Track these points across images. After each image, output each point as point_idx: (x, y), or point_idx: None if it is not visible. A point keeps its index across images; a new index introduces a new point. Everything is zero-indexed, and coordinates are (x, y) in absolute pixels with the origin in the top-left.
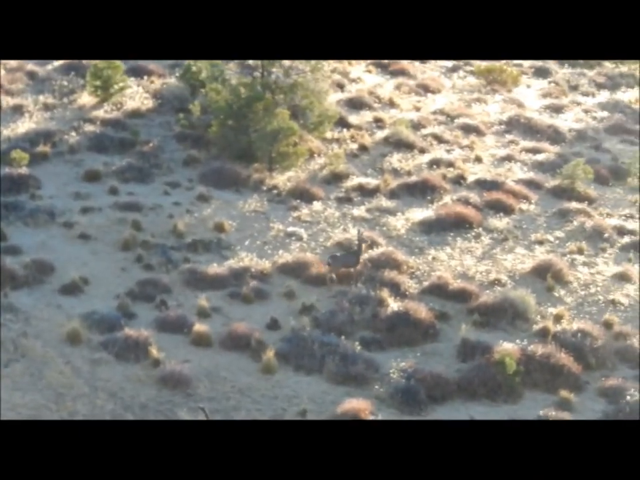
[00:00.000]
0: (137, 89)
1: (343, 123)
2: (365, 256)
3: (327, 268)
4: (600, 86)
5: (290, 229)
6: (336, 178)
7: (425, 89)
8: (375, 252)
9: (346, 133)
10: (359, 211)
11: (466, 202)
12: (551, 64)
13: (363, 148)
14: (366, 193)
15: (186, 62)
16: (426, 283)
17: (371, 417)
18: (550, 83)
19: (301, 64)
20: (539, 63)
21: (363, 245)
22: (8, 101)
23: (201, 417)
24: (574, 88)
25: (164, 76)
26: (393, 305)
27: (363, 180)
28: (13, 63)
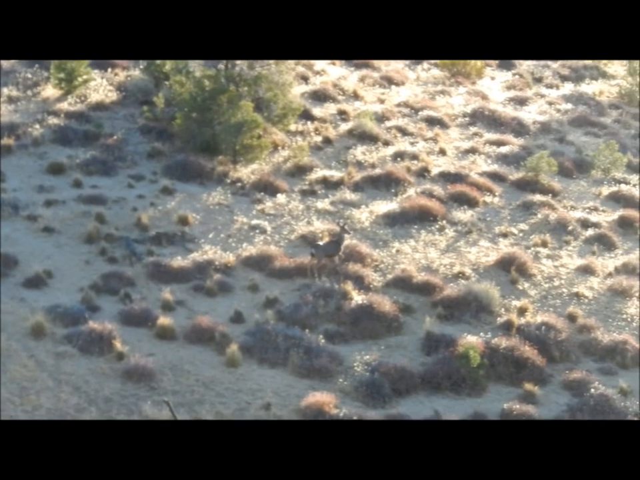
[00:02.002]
0: (100, 82)
1: (307, 116)
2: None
3: (310, 258)
4: (564, 78)
5: (254, 221)
6: (300, 171)
7: (389, 81)
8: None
9: (310, 125)
10: (323, 204)
11: (430, 195)
12: None
13: (327, 140)
14: (330, 185)
15: None
16: (390, 276)
17: (335, 411)
18: (514, 75)
19: None
20: None
21: (345, 235)
22: None
23: (165, 411)
24: (538, 80)
25: (128, 68)
26: (357, 298)
27: (327, 172)
28: None
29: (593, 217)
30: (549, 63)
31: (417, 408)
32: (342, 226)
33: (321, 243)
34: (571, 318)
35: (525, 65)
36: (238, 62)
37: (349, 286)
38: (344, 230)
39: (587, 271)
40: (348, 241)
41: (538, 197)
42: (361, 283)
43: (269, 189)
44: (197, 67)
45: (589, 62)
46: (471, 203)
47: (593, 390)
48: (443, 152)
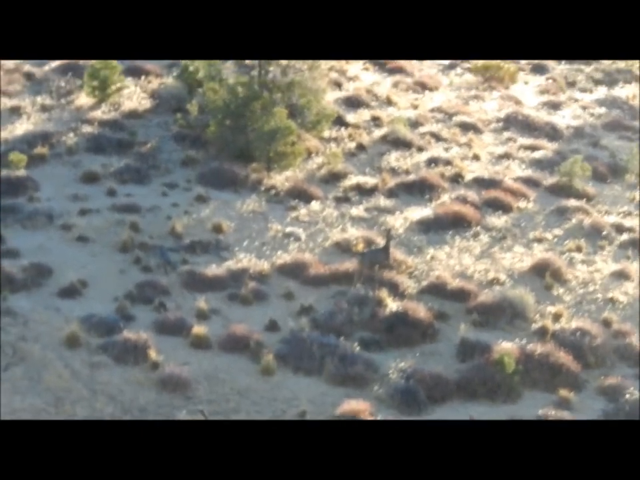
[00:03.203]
0: (134, 89)
1: (340, 122)
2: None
3: (356, 265)
4: (597, 82)
5: (288, 229)
6: (334, 177)
7: (422, 86)
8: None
9: (344, 131)
10: (358, 211)
11: (464, 200)
12: (548, 61)
13: (361, 147)
14: (364, 192)
15: (183, 61)
16: (424, 283)
17: (370, 418)
18: (547, 79)
19: (298, 62)
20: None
21: (390, 240)
22: (5, 103)
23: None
24: (571, 84)
25: (161, 76)
26: (392, 305)
27: (361, 179)
28: (10, 64)
29: (627, 222)
30: (582, 66)
31: (453, 415)
32: (388, 231)
33: (365, 250)
34: (606, 323)
35: (559, 69)
36: (271, 68)
37: (383, 293)
38: (390, 236)
39: (621, 275)
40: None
41: (572, 202)
42: (395, 290)
43: (303, 196)
44: (230, 73)
45: (622, 65)
46: (505, 208)
47: (628, 395)
48: (476, 157)
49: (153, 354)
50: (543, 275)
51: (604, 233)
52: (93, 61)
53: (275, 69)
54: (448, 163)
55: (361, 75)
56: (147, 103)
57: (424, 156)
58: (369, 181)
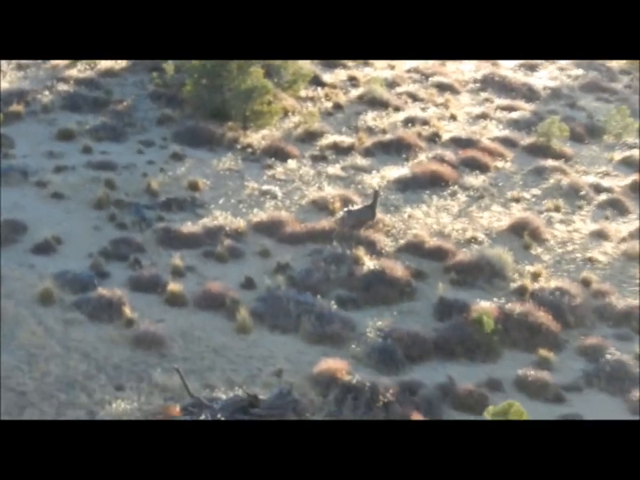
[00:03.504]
0: None
1: (317, 82)
2: (340, 214)
3: (342, 223)
4: None
5: (264, 187)
6: (310, 136)
7: None
8: (342, 213)
9: (320, 91)
10: (334, 169)
11: (441, 160)
12: None
13: (338, 106)
14: (341, 151)
15: None
16: (402, 241)
17: (348, 377)
18: None
19: None
20: None
21: (377, 200)
22: None
23: (176, 378)
24: None
25: None
26: (369, 263)
27: (337, 138)
28: None
29: (606, 182)
30: None
31: (431, 374)
32: (376, 190)
33: (352, 208)
34: (585, 283)
35: None
36: None
37: (360, 251)
38: (377, 194)
39: (600, 235)
40: (359, 206)
41: (550, 162)
42: (372, 249)
43: (279, 154)
44: None
45: None
46: (482, 168)
47: (608, 356)
48: (453, 117)
49: (127, 311)
50: (521, 235)
51: (582, 193)
52: None
53: None
54: (425, 122)
55: None
56: (122, 62)
57: (401, 116)
58: (346, 140)
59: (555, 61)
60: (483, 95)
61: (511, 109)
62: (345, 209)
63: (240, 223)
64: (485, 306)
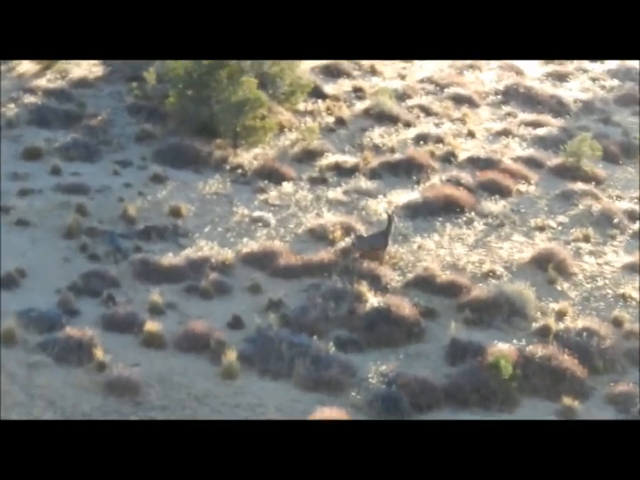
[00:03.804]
0: None
1: (317, 93)
2: (341, 244)
3: (353, 251)
4: None
5: (256, 213)
6: (309, 156)
7: None
8: (353, 239)
9: (321, 104)
10: (335, 193)
11: (457, 183)
12: None
13: (341, 121)
14: (343, 172)
15: None
16: (410, 275)
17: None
18: None
19: None
20: None
21: (392, 225)
22: None
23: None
24: None
25: None
26: (373, 300)
27: (339, 158)
28: None
29: None
30: None
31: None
32: (389, 214)
33: (364, 234)
34: (617, 323)
35: None
36: None
37: (363, 286)
38: (391, 218)
39: (634, 269)
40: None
41: (579, 186)
42: (377, 283)
43: (273, 176)
44: None
45: None
46: (503, 192)
47: None
48: (471, 134)
49: (99, 353)
50: (546, 268)
51: (615, 220)
52: None
53: None
54: (439, 140)
55: None
56: (98, 71)
57: (411, 132)
58: (349, 160)
59: (587, 70)
60: (505, 108)
61: (536, 124)
62: (355, 235)
63: (227, 254)
64: (503, 348)
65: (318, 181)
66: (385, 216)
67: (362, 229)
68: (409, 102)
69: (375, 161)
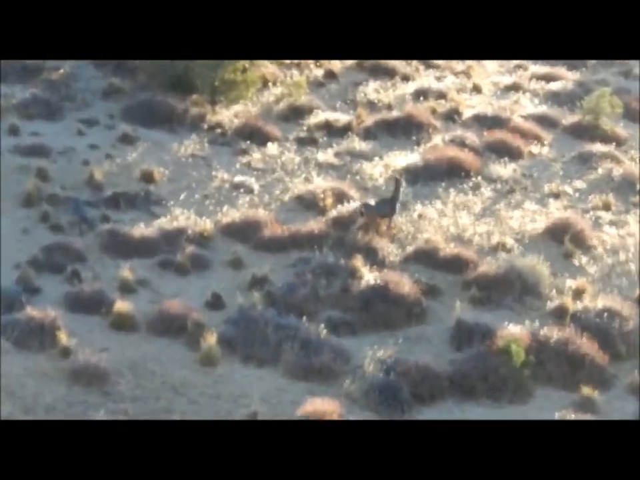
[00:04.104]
0: None
1: None
2: (333, 213)
3: (360, 219)
4: None
5: (237, 178)
6: (296, 113)
7: None
8: (345, 207)
9: None
10: (326, 156)
11: (461, 144)
12: None
13: (331, 75)
14: (334, 132)
15: None
16: (410, 248)
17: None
18: None
19: None
20: None
21: (400, 190)
22: None
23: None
24: None
25: None
26: (369, 276)
27: (330, 116)
28: None
29: None
30: None
31: (444, 418)
32: (397, 178)
33: (371, 202)
34: None
35: None
36: None
37: (358, 261)
38: (399, 182)
39: None
40: (357, 203)
41: (598, 147)
42: (373, 257)
43: (256, 136)
44: None
45: None
46: (513, 154)
47: None
48: (477, 89)
49: (63, 337)
50: (562, 240)
51: (638, 186)
52: None
53: None
54: (441, 95)
55: None
56: None
57: (410, 87)
58: (341, 118)
59: None
60: (515, 60)
61: (549, 78)
62: (361, 202)
63: (206, 225)
64: (515, 331)
65: (306, 142)
66: (381, 181)
67: (356, 196)
68: None
69: (369, 119)
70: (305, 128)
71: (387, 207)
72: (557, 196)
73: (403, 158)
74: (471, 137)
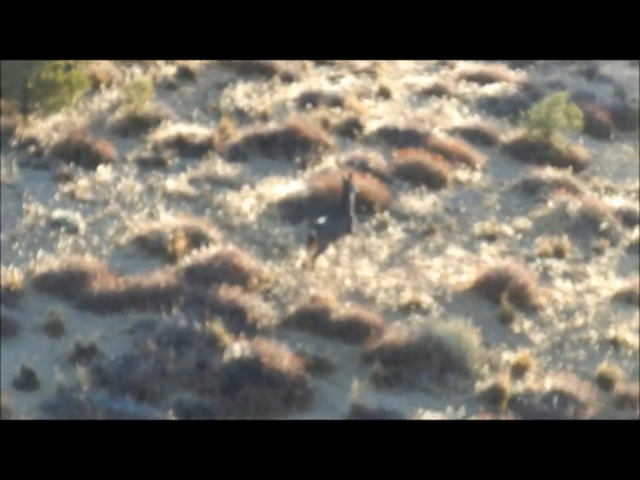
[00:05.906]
0: None
1: None
2: (186, 261)
3: (310, 245)
4: None
5: (57, 213)
6: (138, 126)
7: None
8: (204, 253)
9: None
10: (177, 183)
11: (363, 167)
12: None
13: (186, 74)
14: (189, 151)
15: None
16: (291, 308)
17: None
18: None
19: None
20: None
21: (351, 195)
22: None
23: None
24: None
25: None
26: (234, 346)
27: (184, 129)
28: None
29: None
30: None
31: None
32: (346, 179)
33: (320, 221)
34: (603, 382)
35: None
36: None
37: (219, 325)
38: (349, 185)
39: (630, 299)
40: (219, 248)
41: (549, 173)
42: (240, 321)
43: (83, 157)
44: None
45: None
46: (432, 182)
47: None
48: (385, 93)
49: None
50: (497, 298)
51: (602, 225)
52: None
53: None
54: (336, 102)
55: None
56: None
57: (294, 90)
58: (198, 131)
59: None
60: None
61: (484, 79)
62: (314, 223)
63: (14, 276)
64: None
65: (151, 164)
66: (252, 217)
67: (217, 237)
68: None
69: (237, 134)
70: (149, 145)
71: (342, 222)
72: (491, 238)
73: (282, 186)
74: (376, 158)
